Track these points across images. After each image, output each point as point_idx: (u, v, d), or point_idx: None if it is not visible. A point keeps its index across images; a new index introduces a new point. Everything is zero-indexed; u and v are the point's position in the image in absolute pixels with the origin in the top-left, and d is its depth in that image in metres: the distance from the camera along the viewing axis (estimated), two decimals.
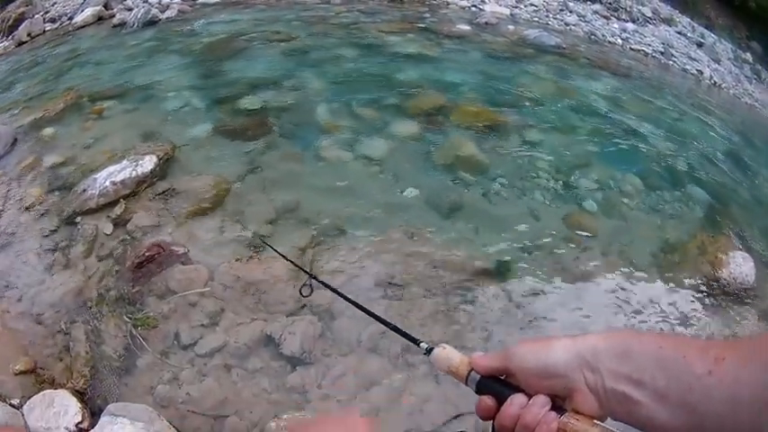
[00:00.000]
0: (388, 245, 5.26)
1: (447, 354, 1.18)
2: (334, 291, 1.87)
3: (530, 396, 1.02)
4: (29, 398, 3.90)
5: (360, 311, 1.61)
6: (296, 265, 2.47)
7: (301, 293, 1.98)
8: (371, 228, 5.49)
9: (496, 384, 1.09)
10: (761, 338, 0.87)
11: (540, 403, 1.00)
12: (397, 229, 5.45)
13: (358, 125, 7.18)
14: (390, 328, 1.44)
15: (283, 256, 2.70)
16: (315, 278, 2.01)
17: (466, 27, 12.00)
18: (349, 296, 1.75)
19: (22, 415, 3.78)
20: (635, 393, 0.90)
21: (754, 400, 0.79)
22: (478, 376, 1.11)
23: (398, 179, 6.15)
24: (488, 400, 1.07)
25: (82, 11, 12.62)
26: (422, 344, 1.26)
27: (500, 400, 1.06)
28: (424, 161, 6.61)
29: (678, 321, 5.20)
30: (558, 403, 1.01)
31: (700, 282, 5.74)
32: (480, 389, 1.11)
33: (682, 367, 0.87)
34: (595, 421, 0.96)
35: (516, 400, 1.03)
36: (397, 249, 5.22)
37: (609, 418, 0.98)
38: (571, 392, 0.98)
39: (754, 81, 16.76)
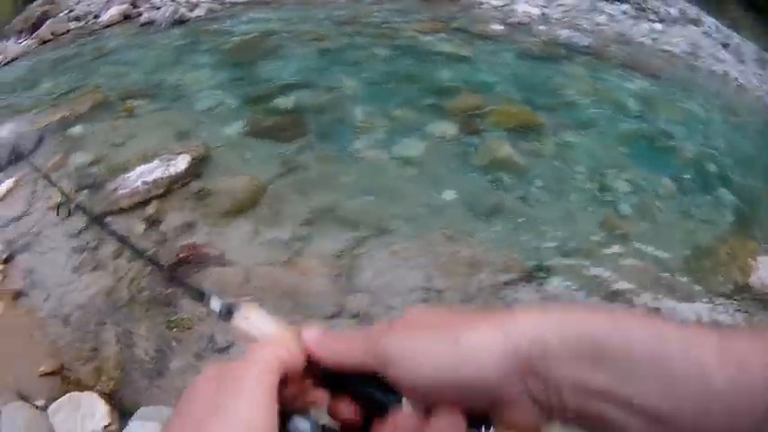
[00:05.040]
0: (427, 247, 5.22)
1: (257, 319, 0.75)
2: (93, 218, 1.76)
3: (423, 409, 0.65)
4: (54, 400, 3.89)
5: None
6: (59, 190, 2.35)
7: (57, 213, 1.87)
8: (409, 230, 5.44)
9: (355, 384, 0.69)
10: None
11: (449, 426, 0.63)
12: (435, 232, 5.41)
13: (394, 126, 7.13)
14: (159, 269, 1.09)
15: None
16: (76, 206, 1.89)
17: (498, 27, 11.89)
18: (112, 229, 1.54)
19: (47, 417, 3.75)
20: (620, 416, 0.58)
21: None
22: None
23: (436, 181, 6.11)
24: (346, 408, 0.70)
25: (107, 9, 12.60)
26: (212, 299, 0.81)
27: (364, 409, 0.69)
28: (462, 163, 6.58)
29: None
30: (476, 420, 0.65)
31: (730, 287, 5.68)
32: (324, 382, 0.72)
33: (696, 381, 0.55)
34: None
35: (402, 418, 0.66)
36: (436, 252, 5.18)
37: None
38: (502, 408, 0.63)
39: None
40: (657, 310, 5.11)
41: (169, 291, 4.74)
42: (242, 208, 5.53)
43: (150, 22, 11.44)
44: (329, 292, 4.73)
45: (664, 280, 5.44)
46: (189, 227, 5.34)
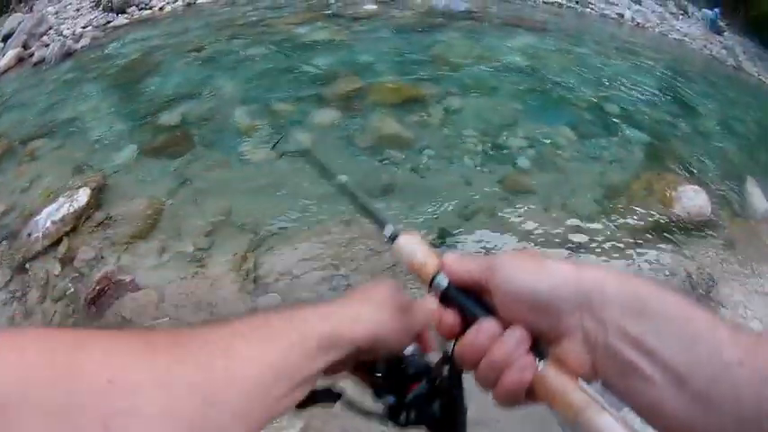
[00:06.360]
0: (327, 236, 5.35)
1: (413, 245, 0.90)
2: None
3: (505, 325, 0.78)
4: None
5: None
6: None
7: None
8: (307, 222, 5.56)
9: (466, 299, 0.83)
10: None
11: (517, 339, 0.76)
12: (332, 220, 5.51)
13: (277, 122, 7.23)
14: (356, 207, 1.05)
15: None
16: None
17: (372, 6, 11.93)
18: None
19: None
20: (646, 367, 0.69)
21: None
22: (446, 282, 0.84)
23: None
24: (451, 318, 0.83)
25: (3, 55, 12.49)
26: (387, 227, 0.95)
27: (466, 321, 0.82)
28: (349, 146, 6.71)
29: (639, 266, 5.34)
30: (539, 345, 0.77)
31: (653, 222, 5.86)
32: (444, 299, 0.85)
33: (711, 349, 0.66)
34: (581, 383, 0.73)
35: (486, 325, 0.78)
36: (335, 240, 5.29)
37: (598, 383, 0.74)
38: (559, 335, 0.75)
39: (681, 17, 16.83)
40: (578, 254, 5.29)
41: (94, 325, 4.76)
42: (145, 230, 5.60)
43: (41, 61, 11.43)
44: (240, 296, 4.82)
45: (578, 226, 5.62)
46: (100, 258, 5.38)
